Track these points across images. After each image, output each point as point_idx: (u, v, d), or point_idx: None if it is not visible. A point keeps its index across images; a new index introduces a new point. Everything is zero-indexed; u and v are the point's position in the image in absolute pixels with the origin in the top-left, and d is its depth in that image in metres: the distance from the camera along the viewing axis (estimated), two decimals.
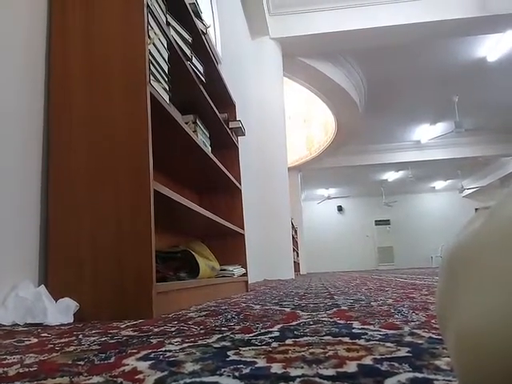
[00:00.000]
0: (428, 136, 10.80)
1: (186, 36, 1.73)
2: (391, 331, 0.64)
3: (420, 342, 0.55)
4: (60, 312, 1.03)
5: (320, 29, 6.17)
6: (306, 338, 0.61)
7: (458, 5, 5.92)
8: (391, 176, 14.34)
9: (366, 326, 0.71)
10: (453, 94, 8.69)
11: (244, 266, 2.48)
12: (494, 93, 8.71)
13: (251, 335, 0.67)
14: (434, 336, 0.59)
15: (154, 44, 1.33)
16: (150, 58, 1.27)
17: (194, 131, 1.96)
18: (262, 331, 0.71)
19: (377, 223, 17.31)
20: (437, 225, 16.91)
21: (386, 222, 17.29)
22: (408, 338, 0.58)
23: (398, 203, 17.01)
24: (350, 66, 7.58)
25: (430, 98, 8.90)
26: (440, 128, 10.39)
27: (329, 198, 16.69)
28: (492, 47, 7.08)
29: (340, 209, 17.47)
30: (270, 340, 0.61)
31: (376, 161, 12.06)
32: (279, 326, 0.77)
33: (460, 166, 13.25)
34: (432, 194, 17.28)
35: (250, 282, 2.63)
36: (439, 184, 16.26)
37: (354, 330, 0.67)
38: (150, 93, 1.21)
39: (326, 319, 0.84)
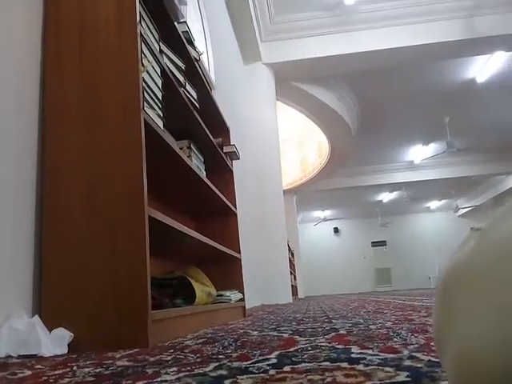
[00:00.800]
0: (421, 156, 10.92)
1: (179, 63, 1.76)
2: (390, 355, 0.64)
3: (419, 365, 0.54)
4: (54, 343, 1.01)
5: (311, 54, 6.30)
6: (304, 365, 0.61)
7: (446, 27, 6.08)
8: (386, 197, 14.40)
9: (364, 351, 0.70)
10: (444, 114, 8.83)
11: (241, 290, 2.45)
12: (484, 113, 8.86)
13: (248, 363, 0.66)
14: (433, 359, 0.58)
15: (147, 71, 1.35)
16: (144, 85, 1.29)
17: (189, 156, 1.97)
18: (260, 358, 0.70)
19: (373, 244, 17.27)
20: (433, 244, 16.90)
21: (383, 243, 17.26)
22: (407, 362, 0.57)
23: (394, 224, 17.03)
24: (342, 90, 7.70)
25: (421, 119, 9.04)
26: (432, 148, 10.51)
27: (325, 219, 16.69)
28: (481, 68, 7.23)
29: (336, 230, 17.45)
30: (268, 367, 0.60)
31: (370, 182, 12.13)
32: (277, 352, 0.76)
33: (454, 186, 13.35)
34: (427, 214, 17.33)
35: (247, 307, 2.59)
36: (434, 204, 16.33)
37: (352, 355, 0.66)
38: (144, 119, 1.22)
39: (324, 344, 0.83)
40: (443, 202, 15.99)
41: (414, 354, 0.64)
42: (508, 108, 8.71)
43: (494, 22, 5.98)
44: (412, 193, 13.71)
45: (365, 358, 0.62)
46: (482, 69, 7.23)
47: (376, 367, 0.55)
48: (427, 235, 17.12)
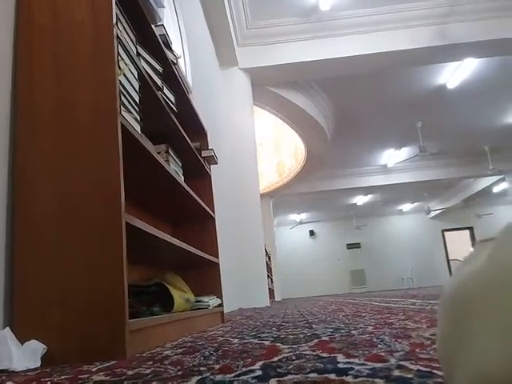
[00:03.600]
0: (394, 160, 11.12)
1: (157, 66, 1.73)
2: (378, 364, 0.63)
3: (409, 375, 0.54)
4: (26, 356, 0.97)
5: (287, 59, 6.33)
6: (290, 377, 0.59)
7: (419, 34, 6.22)
8: (360, 200, 14.60)
9: (350, 360, 0.69)
10: (416, 119, 9.03)
11: (219, 296, 2.43)
12: (455, 118, 9.11)
13: (232, 375, 0.64)
14: (422, 368, 0.57)
15: (124, 74, 1.32)
16: (121, 88, 1.26)
17: (167, 160, 1.93)
18: (244, 370, 0.68)
19: (348, 246, 17.48)
20: (406, 246, 17.24)
21: (357, 245, 17.48)
22: (396, 372, 0.56)
23: (368, 226, 17.29)
24: (317, 95, 7.78)
25: (394, 123, 9.22)
26: (405, 152, 10.73)
27: (301, 222, 16.78)
28: (451, 75, 7.43)
29: (312, 233, 17.57)
30: (253, 381, 0.59)
31: (345, 185, 12.28)
32: (261, 362, 0.74)
33: (426, 189, 13.66)
34: (400, 217, 17.67)
35: (225, 312, 2.57)
36: (406, 206, 16.66)
37: (339, 365, 0.65)
38: (121, 123, 1.19)
39: (308, 352, 0.81)
40: (415, 204, 16.33)
41: (402, 362, 0.63)
42: (477, 113, 8.98)
43: (464, 30, 6.15)
44: (386, 196, 13.95)
45: (352, 369, 0.61)
46: (453, 75, 7.43)
47: (365, 379, 0.54)
48: (400, 237, 17.45)
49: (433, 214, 16.42)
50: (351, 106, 8.33)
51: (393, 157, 11.04)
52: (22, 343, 0.99)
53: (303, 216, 16.64)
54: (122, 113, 1.23)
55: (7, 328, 1.01)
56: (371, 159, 11.37)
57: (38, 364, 0.98)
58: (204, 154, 2.52)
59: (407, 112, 8.68)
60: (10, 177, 1.17)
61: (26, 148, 1.17)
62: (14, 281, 1.09)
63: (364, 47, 6.28)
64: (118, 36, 1.27)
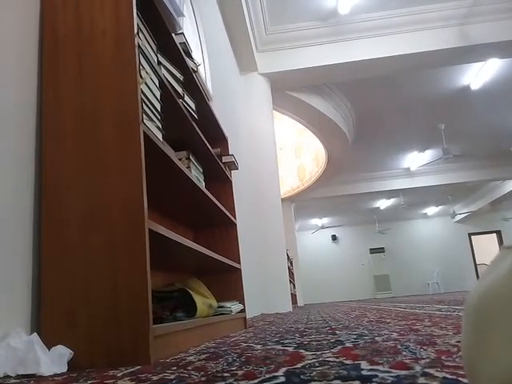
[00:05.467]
0: (417, 163, 10.95)
1: (178, 74, 1.75)
2: (402, 372, 0.62)
3: (434, 383, 0.53)
4: (53, 361, 0.99)
5: (306, 63, 6.33)
6: None
7: (440, 36, 6.13)
8: (383, 204, 14.42)
9: (374, 367, 0.68)
10: (439, 121, 8.88)
11: (241, 301, 2.43)
12: (480, 119, 8.92)
13: (255, 382, 0.64)
14: (448, 376, 0.56)
15: (145, 83, 1.34)
16: (143, 97, 1.28)
17: (188, 167, 1.95)
18: (267, 376, 0.68)
19: (372, 251, 17.25)
20: (431, 251, 16.91)
21: (381, 250, 17.24)
22: (421, 380, 0.55)
23: (392, 230, 17.04)
24: (338, 98, 7.74)
25: (417, 126, 9.08)
26: (429, 155, 10.56)
27: (322, 227, 16.67)
28: (475, 75, 7.29)
29: (334, 238, 17.42)
30: None
31: (367, 189, 12.15)
32: (284, 369, 0.74)
33: (450, 192, 13.39)
34: (425, 220, 17.36)
35: (247, 317, 2.56)
36: (431, 210, 16.36)
37: (363, 372, 0.64)
38: (144, 131, 1.21)
39: (331, 359, 0.81)
40: (440, 208, 16.03)
41: (427, 370, 0.62)
42: (502, 114, 8.78)
43: (486, 30, 6.03)
44: (409, 199, 13.73)
45: (377, 376, 0.60)
46: (477, 76, 7.29)
47: None
48: (425, 241, 17.13)
49: (458, 217, 16.07)
50: (372, 109, 8.25)
51: (416, 160, 10.87)
52: (49, 348, 1.01)
53: (325, 220, 16.52)
54: (144, 121, 1.25)
55: (35, 333, 1.03)
56: (394, 162, 11.23)
57: (65, 369, 0.99)
58: (225, 159, 2.53)
59: (430, 114, 8.55)
60: (36, 185, 1.20)
61: (51, 156, 1.20)
62: (41, 288, 1.12)
63: (384, 50, 6.23)
64: (139, 45, 1.30)
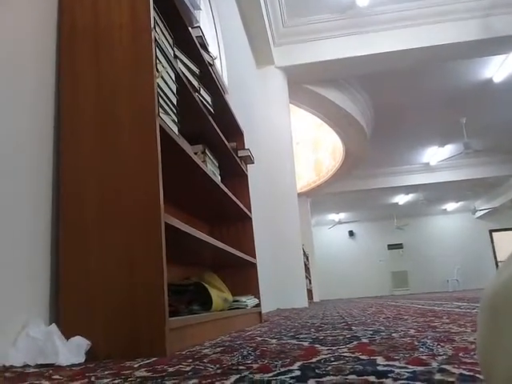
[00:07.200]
0: (437, 158, 10.77)
1: (194, 68, 1.75)
2: (419, 368, 0.61)
3: (451, 379, 0.52)
4: (71, 351, 1.00)
5: (324, 56, 6.26)
6: (329, 378, 0.58)
7: (462, 28, 5.99)
8: (402, 199, 14.23)
9: (390, 362, 0.67)
10: (460, 115, 8.69)
11: (257, 296, 2.43)
12: (502, 113, 8.70)
13: (270, 375, 0.64)
14: (464, 372, 0.55)
15: (162, 77, 1.34)
16: (159, 90, 1.28)
17: (204, 161, 1.96)
18: (282, 370, 0.68)
19: (389, 247, 17.07)
20: (451, 247, 16.64)
21: (399, 246, 17.04)
22: (438, 376, 0.54)
23: (410, 226, 16.81)
24: (356, 92, 7.65)
25: (437, 120, 8.91)
26: (449, 150, 10.37)
27: (339, 222, 16.56)
28: (497, 68, 7.11)
29: (351, 233, 17.29)
30: (292, 381, 0.58)
31: (385, 184, 12.01)
32: (299, 363, 0.74)
33: (471, 188, 13.13)
34: (444, 216, 17.08)
35: (263, 312, 2.57)
36: (451, 206, 16.08)
37: (378, 367, 0.63)
38: (160, 125, 1.21)
39: (347, 354, 0.80)
40: (460, 203, 15.74)
41: (444, 366, 0.61)
42: None
43: (509, 22, 5.87)
44: (428, 195, 13.52)
45: (392, 371, 0.59)
46: (499, 68, 7.11)
47: (406, 382, 0.52)
48: (444, 237, 16.87)
49: (479, 213, 15.77)
50: (391, 103, 8.13)
51: (436, 154, 10.69)
52: (67, 339, 1.03)
53: (342, 216, 16.41)
54: (161, 115, 1.25)
55: (53, 324, 1.05)
56: (413, 157, 11.07)
57: (83, 359, 1.01)
58: (240, 153, 2.53)
59: (451, 108, 8.38)
60: (54, 179, 1.22)
61: (69, 150, 1.21)
62: (59, 280, 1.13)
63: (404, 42, 6.12)
64: (155, 39, 1.30)
